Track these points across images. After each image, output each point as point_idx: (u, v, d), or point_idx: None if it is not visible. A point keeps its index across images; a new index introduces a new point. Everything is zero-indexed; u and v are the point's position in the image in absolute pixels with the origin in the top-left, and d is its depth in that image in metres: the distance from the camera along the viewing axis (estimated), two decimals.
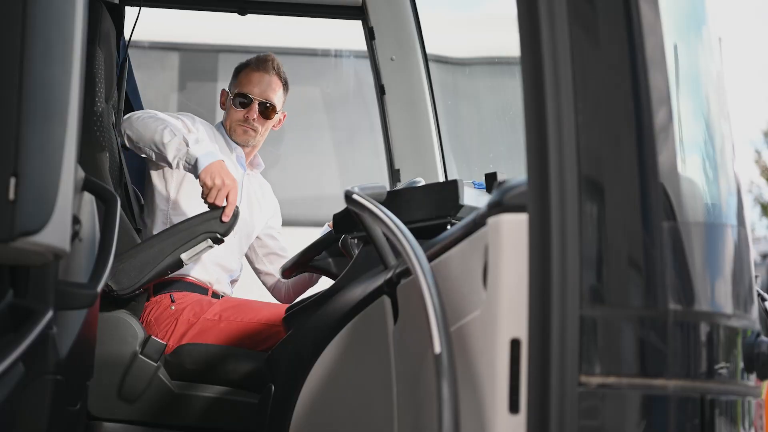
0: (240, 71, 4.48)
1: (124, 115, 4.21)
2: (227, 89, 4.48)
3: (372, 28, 4.80)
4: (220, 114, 4.57)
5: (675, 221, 2.03)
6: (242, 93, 4.39)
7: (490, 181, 3.16)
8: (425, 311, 2.16)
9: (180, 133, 3.94)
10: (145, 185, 4.35)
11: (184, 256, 3.88)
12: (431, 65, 4.92)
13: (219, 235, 3.88)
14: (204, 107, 7.16)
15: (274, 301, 4.54)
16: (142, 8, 4.48)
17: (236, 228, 3.98)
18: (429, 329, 2.14)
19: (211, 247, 3.91)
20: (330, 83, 7.55)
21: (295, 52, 7.18)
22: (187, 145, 3.90)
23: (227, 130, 4.42)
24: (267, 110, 4.39)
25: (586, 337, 1.99)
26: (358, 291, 3.04)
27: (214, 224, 3.89)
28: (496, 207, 2.15)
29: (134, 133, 4.03)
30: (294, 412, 3.17)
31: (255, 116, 4.38)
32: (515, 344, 2.08)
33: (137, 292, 3.90)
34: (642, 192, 2.02)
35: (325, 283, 3.85)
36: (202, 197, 3.89)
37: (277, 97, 4.43)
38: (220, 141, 4.38)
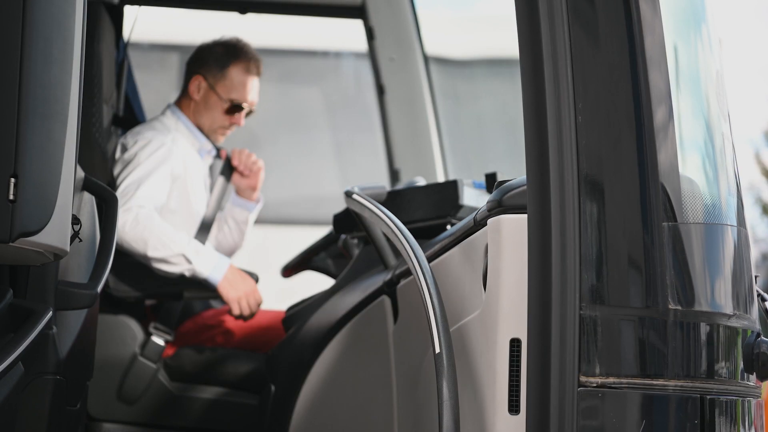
0: (229, 66, 4.02)
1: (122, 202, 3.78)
2: (207, 80, 4.02)
3: (372, 28, 4.79)
4: None
5: (675, 221, 2.03)
6: (238, 102, 4.00)
7: (490, 181, 3.16)
8: (425, 311, 2.16)
9: (177, 249, 3.73)
10: None
11: (187, 294, 3.89)
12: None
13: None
14: None
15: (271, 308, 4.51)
16: (142, 8, 4.48)
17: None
18: (429, 329, 2.14)
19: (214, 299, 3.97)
20: (330, 83, 7.54)
21: (295, 52, 7.17)
22: (190, 263, 3.74)
23: (204, 130, 4.03)
24: (248, 114, 4.07)
25: (586, 337, 1.99)
26: (358, 291, 3.04)
27: None
28: (496, 207, 2.15)
29: (137, 247, 3.74)
30: (294, 412, 3.17)
31: (242, 122, 4.04)
32: (515, 344, 2.08)
33: (130, 300, 3.90)
34: (642, 192, 2.02)
35: (325, 283, 3.85)
36: (229, 314, 3.89)
37: None
38: (185, 134, 4.02)
